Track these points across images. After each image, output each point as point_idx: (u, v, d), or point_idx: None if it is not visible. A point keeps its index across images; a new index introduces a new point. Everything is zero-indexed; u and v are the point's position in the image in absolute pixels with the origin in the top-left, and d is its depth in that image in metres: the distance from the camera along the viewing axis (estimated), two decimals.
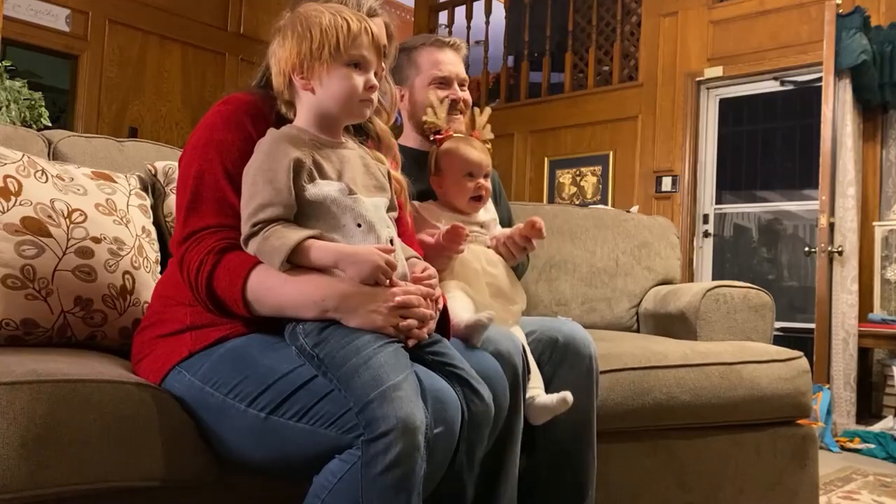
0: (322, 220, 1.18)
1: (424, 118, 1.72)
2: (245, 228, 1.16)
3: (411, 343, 1.15)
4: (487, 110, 1.73)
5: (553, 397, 1.44)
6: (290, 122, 1.26)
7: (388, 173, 1.33)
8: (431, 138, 1.71)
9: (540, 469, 1.54)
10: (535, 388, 1.46)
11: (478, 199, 1.65)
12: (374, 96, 1.25)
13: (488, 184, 1.67)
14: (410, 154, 1.80)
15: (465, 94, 1.86)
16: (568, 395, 1.44)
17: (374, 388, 1.03)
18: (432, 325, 1.21)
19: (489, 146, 1.72)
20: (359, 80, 1.22)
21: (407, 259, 1.27)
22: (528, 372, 1.44)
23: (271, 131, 1.23)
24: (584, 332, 1.59)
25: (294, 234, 1.14)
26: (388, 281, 1.16)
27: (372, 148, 1.37)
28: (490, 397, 1.19)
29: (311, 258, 1.14)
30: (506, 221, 1.92)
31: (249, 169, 1.19)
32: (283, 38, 1.24)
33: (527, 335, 1.56)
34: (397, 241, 1.26)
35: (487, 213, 1.73)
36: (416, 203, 1.66)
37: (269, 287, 1.15)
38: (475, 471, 1.23)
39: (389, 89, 1.51)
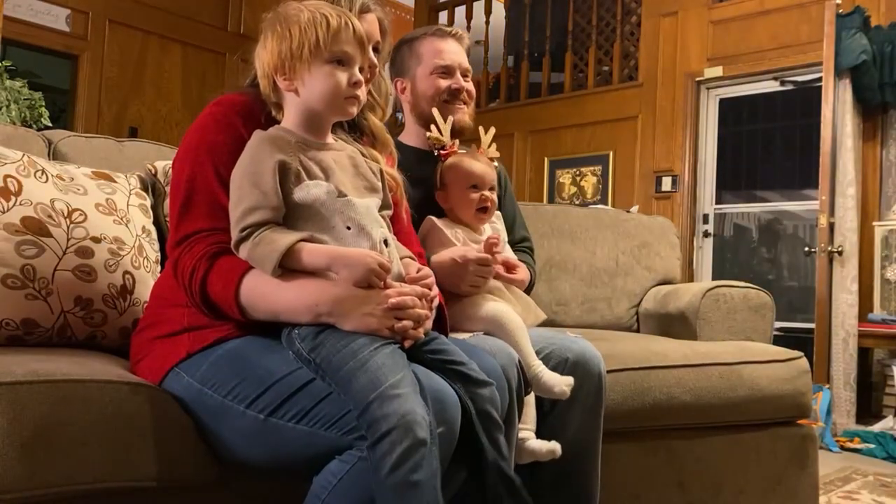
0: (311, 222, 1.17)
1: (428, 134, 1.71)
2: (234, 233, 1.15)
3: (408, 344, 1.14)
4: (492, 129, 1.74)
5: (543, 446, 1.44)
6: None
7: (381, 171, 1.31)
8: (436, 153, 1.71)
9: (542, 486, 1.51)
10: (528, 430, 1.45)
11: (483, 211, 1.66)
12: (360, 93, 1.22)
13: (494, 196, 1.67)
14: (413, 152, 1.78)
15: (469, 85, 1.83)
16: (557, 448, 1.44)
17: (373, 389, 1.02)
18: (429, 324, 1.20)
19: (496, 164, 1.74)
20: (342, 76, 1.19)
21: (402, 259, 1.27)
22: (528, 386, 1.41)
23: (257, 133, 1.21)
24: (595, 351, 1.58)
25: (284, 239, 1.12)
26: (381, 283, 1.15)
27: (366, 145, 1.36)
28: (491, 382, 1.18)
29: (303, 261, 1.13)
30: (511, 217, 1.91)
31: (235, 172, 1.18)
32: (265, 40, 1.22)
33: (536, 352, 1.52)
34: (392, 241, 1.25)
35: (495, 230, 1.73)
36: (433, 218, 1.66)
37: (262, 293, 1.14)
38: (511, 453, 1.21)
39: (384, 85, 1.49)
